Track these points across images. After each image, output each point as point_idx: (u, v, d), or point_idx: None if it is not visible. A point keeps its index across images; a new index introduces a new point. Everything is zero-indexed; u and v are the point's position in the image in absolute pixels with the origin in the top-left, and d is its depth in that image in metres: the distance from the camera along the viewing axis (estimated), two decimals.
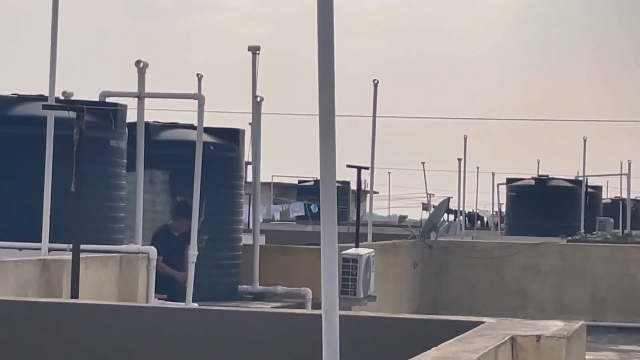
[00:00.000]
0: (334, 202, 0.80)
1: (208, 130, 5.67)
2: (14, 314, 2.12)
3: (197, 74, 7.35)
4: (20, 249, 4.12)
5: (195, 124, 5.24)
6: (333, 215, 0.81)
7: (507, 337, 1.38)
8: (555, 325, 1.62)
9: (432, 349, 1.10)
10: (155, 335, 1.99)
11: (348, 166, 8.38)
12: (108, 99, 5.06)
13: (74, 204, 3.61)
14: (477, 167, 18.84)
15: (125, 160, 5.03)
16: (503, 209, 19.06)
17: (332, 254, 0.83)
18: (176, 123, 6.35)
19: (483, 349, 1.16)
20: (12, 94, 5.45)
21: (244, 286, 6.48)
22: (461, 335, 1.35)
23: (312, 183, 20.90)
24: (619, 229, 15.99)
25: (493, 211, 19.78)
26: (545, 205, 16.04)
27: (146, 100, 4.88)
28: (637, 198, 22.04)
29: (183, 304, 4.84)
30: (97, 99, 5.04)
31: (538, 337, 1.43)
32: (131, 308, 2.61)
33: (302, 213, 20.48)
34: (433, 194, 19.26)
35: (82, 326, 2.03)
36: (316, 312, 1.72)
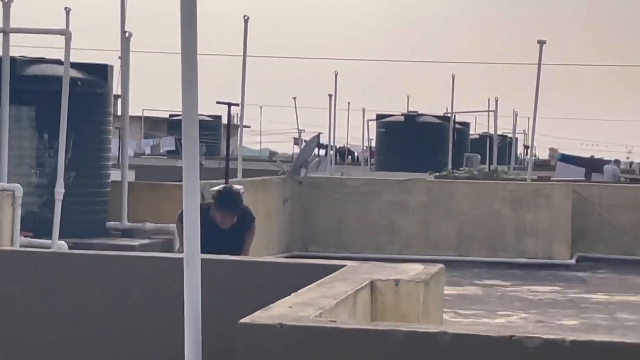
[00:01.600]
0: (196, 144, 0.80)
1: (76, 66, 5.67)
2: None
3: (65, 8, 7.05)
4: None
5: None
6: (195, 159, 0.79)
7: (366, 282, 1.35)
8: (414, 269, 1.60)
9: (292, 294, 1.09)
10: (20, 280, 1.87)
11: (218, 102, 8.23)
12: None
13: None
14: (348, 103, 19.60)
15: None
16: (373, 145, 19.33)
17: (194, 198, 0.80)
18: (43, 58, 6.25)
19: (342, 294, 1.14)
20: None
21: (113, 223, 6.50)
22: (321, 280, 1.32)
23: None
24: (485, 165, 15.86)
25: (363, 147, 19.96)
26: (414, 141, 16.04)
27: (12, 35, 4.95)
28: (504, 134, 22.30)
29: (49, 241, 4.79)
30: None
31: (397, 282, 1.41)
32: None
33: (173, 148, 19.66)
34: (304, 130, 19.84)
35: None
36: (179, 255, 1.40)
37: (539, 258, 8.27)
